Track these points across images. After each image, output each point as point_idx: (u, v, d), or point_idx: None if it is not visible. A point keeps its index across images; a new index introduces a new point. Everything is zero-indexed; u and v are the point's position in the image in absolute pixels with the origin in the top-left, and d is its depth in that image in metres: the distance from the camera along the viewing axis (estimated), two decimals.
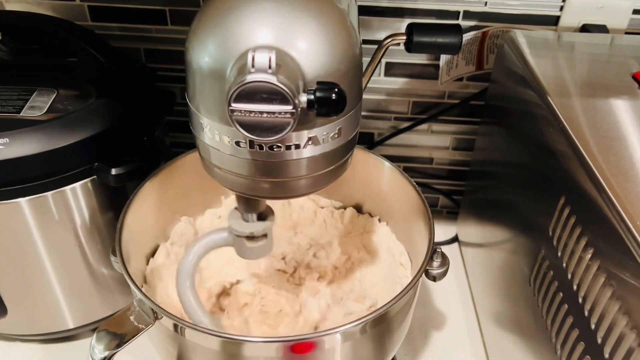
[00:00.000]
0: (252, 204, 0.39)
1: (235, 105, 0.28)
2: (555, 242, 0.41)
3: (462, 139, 0.71)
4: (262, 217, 0.40)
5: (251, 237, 0.41)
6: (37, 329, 0.58)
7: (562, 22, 0.61)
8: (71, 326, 0.58)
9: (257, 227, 0.40)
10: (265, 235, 0.41)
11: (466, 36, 0.62)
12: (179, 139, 0.71)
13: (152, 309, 0.37)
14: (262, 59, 0.27)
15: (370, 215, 0.58)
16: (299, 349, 0.38)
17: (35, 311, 0.56)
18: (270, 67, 0.27)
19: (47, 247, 0.52)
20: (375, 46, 0.50)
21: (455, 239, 0.73)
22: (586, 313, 0.35)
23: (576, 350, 0.37)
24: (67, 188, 0.49)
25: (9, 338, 0.60)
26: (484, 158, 0.64)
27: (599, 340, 0.34)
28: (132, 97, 0.53)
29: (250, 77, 0.27)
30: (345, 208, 0.59)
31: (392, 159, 0.54)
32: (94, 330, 0.60)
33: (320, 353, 0.39)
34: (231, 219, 0.40)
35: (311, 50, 0.31)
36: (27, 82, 0.52)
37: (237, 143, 0.32)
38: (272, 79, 0.27)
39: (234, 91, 0.28)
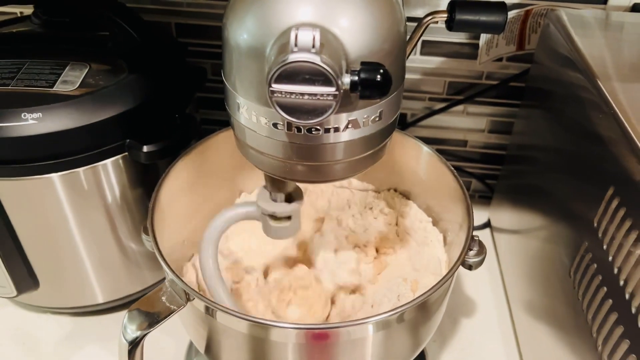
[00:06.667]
0: (279, 185, 0.38)
1: (275, 86, 0.27)
2: (600, 234, 0.39)
3: (499, 121, 0.69)
4: (289, 198, 0.40)
5: (277, 218, 0.40)
6: (68, 302, 0.59)
7: (612, 1, 0.58)
8: (100, 301, 0.58)
9: (283, 207, 0.39)
10: (290, 217, 0.40)
11: (509, 15, 0.59)
12: (209, 115, 0.70)
13: (184, 290, 0.37)
14: (306, 37, 0.26)
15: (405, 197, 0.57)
16: (328, 336, 0.37)
17: (65, 285, 0.56)
18: (314, 47, 0.26)
19: (78, 222, 0.52)
20: (413, 24, 0.48)
21: (487, 225, 0.71)
22: (633, 310, 0.34)
23: (620, 348, 0.35)
24: (99, 164, 0.49)
25: (40, 310, 0.61)
26: (523, 142, 0.62)
27: None
28: (164, 73, 0.52)
29: (292, 57, 0.26)
30: (378, 192, 0.58)
31: (424, 140, 0.52)
32: (122, 305, 0.61)
33: (351, 342, 0.38)
34: (259, 196, 0.40)
35: (355, 27, 0.29)
36: (60, 55, 0.52)
37: (275, 125, 0.31)
38: (316, 59, 0.26)
39: (275, 71, 0.26)
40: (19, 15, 0.67)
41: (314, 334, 0.36)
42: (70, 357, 0.57)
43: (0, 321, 0.60)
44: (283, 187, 0.39)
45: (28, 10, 0.65)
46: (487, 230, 0.71)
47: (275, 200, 0.39)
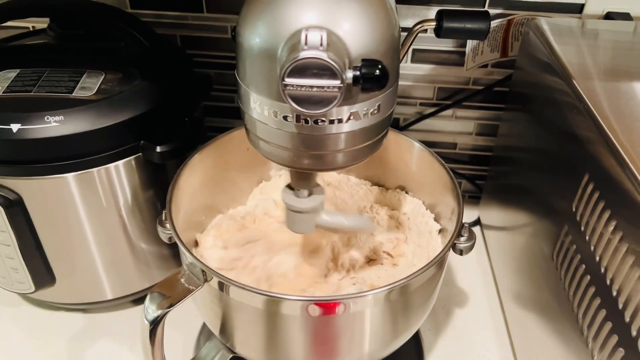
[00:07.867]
0: (303, 181, 0.42)
1: (288, 80, 0.31)
2: (578, 217, 0.43)
3: (486, 124, 0.73)
4: (311, 194, 0.43)
5: (300, 212, 0.43)
6: (80, 298, 0.61)
7: (587, 10, 0.62)
8: (110, 297, 0.61)
9: (306, 203, 0.43)
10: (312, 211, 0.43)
11: (492, 23, 0.64)
12: (214, 123, 0.74)
13: (203, 270, 0.40)
14: (315, 37, 0.30)
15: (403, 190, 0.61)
16: (329, 309, 0.40)
17: (78, 281, 0.59)
18: (321, 45, 0.30)
19: (91, 221, 0.55)
20: (404, 33, 0.52)
21: (477, 222, 0.75)
22: (608, 282, 0.38)
23: (598, 317, 0.39)
24: (112, 165, 0.52)
25: (54, 307, 0.64)
26: (507, 144, 0.66)
27: (620, 306, 0.36)
28: (174, 80, 0.56)
29: (303, 54, 0.30)
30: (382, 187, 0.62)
31: None
32: (132, 301, 0.64)
33: (351, 315, 0.41)
34: (284, 193, 0.43)
35: (355, 30, 0.33)
36: (76, 64, 0.55)
37: (285, 117, 0.35)
38: (324, 55, 0.30)
39: (288, 67, 0.30)
40: (31, 29, 0.70)
41: (319, 304, 0.39)
42: (84, 351, 0.60)
43: (16, 318, 0.63)
44: (306, 184, 0.42)
45: (40, 24, 0.68)
46: (477, 228, 0.74)
47: (298, 197, 0.43)
